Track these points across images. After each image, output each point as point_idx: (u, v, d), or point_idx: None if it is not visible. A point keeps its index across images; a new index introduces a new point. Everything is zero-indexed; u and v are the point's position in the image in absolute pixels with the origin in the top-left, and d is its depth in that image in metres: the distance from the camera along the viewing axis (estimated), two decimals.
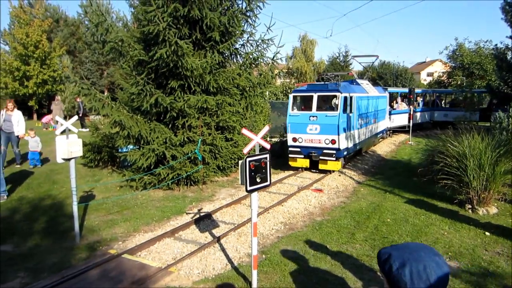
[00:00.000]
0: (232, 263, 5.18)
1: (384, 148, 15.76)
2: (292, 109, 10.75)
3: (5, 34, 28.58)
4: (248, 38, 10.32)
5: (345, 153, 10.42)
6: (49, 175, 10.04)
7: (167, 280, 4.71)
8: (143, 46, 9.13)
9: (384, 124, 16.27)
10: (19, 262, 5.15)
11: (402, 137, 19.38)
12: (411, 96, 18.27)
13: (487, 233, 6.10)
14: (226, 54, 10.21)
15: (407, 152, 14.59)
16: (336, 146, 9.90)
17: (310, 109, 10.44)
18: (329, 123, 9.88)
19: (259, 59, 10.47)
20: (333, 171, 10.58)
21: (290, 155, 10.72)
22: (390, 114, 18.84)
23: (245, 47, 10.44)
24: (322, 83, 11.50)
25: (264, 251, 5.54)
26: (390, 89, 20.22)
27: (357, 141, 11.57)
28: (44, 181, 9.53)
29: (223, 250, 5.58)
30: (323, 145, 10.03)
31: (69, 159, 5.67)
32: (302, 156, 10.52)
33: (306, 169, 10.99)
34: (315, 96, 10.35)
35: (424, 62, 67.18)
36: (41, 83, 27.33)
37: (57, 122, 6.20)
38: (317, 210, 7.58)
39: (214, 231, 6.40)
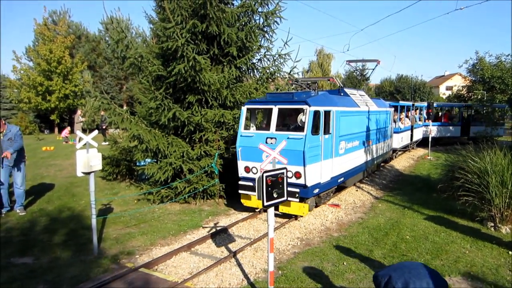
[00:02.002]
0: (248, 279, 5.13)
1: (402, 163, 15.51)
2: (245, 127, 8.02)
3: (30, 50, 29.68)
4: (265, 53, 10.43)
5: (316, 190, 7.52)
6: (68, 188, 10.24)
7: None
8: (161, 61, 9.34)
9: (387, 145, 13.18)
10: (39, 275, 5.22)
11: (420, 151, 19.04)
12: (430, 111, 18.06)
13: (510, 253, 5.89)
14: (243, 69, 10.33)
15: (426, 167, 14.31)
16: (301, 181, 7.10)
17: (268, 127, 7.70)
18: (292, 148, 6.93)
19: (276, 74, 10.54)
20: (299, 216, 7.72)
21: (240, 190, 7.80)
22: (405, 130, 16.92)
23: (262, 61, 10.55)
24: (287, 92, 9.08)
25: (280, 267, 5.48)
26: (393, 102, 16.94)
27: (338, 173, 8.43)
28: (63, 194, 9.72)
29: (239, 265, 5.54)
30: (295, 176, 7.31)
31: (88, 173, 5.78)
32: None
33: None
34: (275, 109, 7.49)
35: (443, 76, 66.31)
36: (63, 98, 28.17)
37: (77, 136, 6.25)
38: (334, 225, 7.47)
39: (230, 245, 6.37)
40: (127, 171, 10.98)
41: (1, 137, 7.72)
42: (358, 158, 9.86)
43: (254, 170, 7.71)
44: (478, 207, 7.17)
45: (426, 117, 20.59)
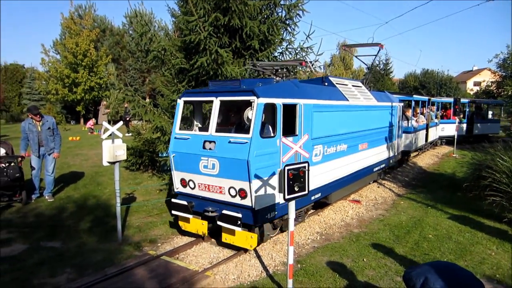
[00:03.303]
0: (267, 271, 5.17)
1: (426, 160, 15.17)
2: (182, 127, 6.30)
3: (57, 44, 30.55)
4: (287, 46, 10.36)
5: (271, 214, 5.52)
6: (94, 177, 10.54)
7: (203, 284, 4.78)
8: (184, 54, 9.43)
9: (393, 148, 10.85)
10: (67, 258, 5.43)
11: (445, 149, 18.56)
12: (457, 107, 17.47)
13: None
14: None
15: (451, 165, 13.94)
16: (247, 202, 5.27)
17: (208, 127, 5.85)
18: (233, 156, 5.23)
19: (298, 67, 10.47)
20: (246, 249, 5.70)
21: (174, 211, 6.06)
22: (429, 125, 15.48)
23: (284, 55, 10.49)
24: (234, 78, 7.38)
25: (299, 261, 5.49)
26: (403, 96, 14.28)
27: (312, 187, 6.17)
28: (89, 182, 10.02)
29: (258, 257, 5.59)
30: (227, 198, 5.50)
31: (113, 163, 5.94)
32: (197, 214, 5.92)
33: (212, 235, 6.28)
34: (216, 102, 5.66)
35: (471, 70, 64.16)
36: (88, 90, 28.90)
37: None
38: (355, 221, 7.41)
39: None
40: (149, 162, 11.20)
41: (39, 128, 8.03)
42: (347, 166, 7.81)
43: (192, 184, 5.89)
44: (506, 208, 6.95)
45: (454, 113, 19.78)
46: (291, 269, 4.31)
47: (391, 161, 10.76)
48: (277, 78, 6.48)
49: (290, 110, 5.84)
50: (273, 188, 5.46)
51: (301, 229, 6.85)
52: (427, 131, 15.79)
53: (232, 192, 5.41)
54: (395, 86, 41.27)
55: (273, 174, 5.43)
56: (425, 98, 16.46)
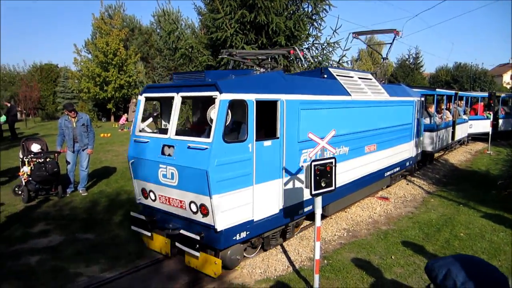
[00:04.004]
0: (293, 266, 5.20)
1: (458, 157, 14.67)
2: (141, 128, 5.40)
3: (88, 43, 31.58)
4: (313, 41, 10.32)
5: (241, 235, 4.69)
6: (124, 172, 10.89)
7: (231, 277, 4.87)
8: (211, 51, 9.56)
9: (410, 149, 9.61)
10: (100, 250, 5.68)
11: (479, 145, 17.87)
12: (491, 102, 16.68)
13: None
14: (291, 58, 10.29)
15: (484, 162, 13.42)
16: (209, 220, 4.45)
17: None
18: (191, 165, 4.43)
19: (324, 63, 10.39)
20: (210, 276, 4.73)
21: (133, 226, 5.37)
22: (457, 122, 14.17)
23: (310, 50, 10.44)
24: (200, 70, 6.16)
25: (326, 257, 5.48)
26: (424, 90, 12.57)
27: (299, 200, 5.55)
28: (120, 177, 10.36)
29: (285, 252, 5.62)
30: (189, 214, 4.68)
31: None
32: (160, 230, 5.28)
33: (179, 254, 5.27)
34: (177, 99, 4.83)
35: (508, 63, 61.21)
36: (118, 88, 29.74)
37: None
38: (383, 218, 7.30)
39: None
40: None
41: (74, 124, 8.39)
42: (349, 172, 6.78)
43: (152, 196, 5.07)
44: None
45: (487, 109, 18.75)
46: (317, 264, 4.32)
47: (408, 163, 9.60)
48: (262, 70, 5.60)
49: (268, 108, 4.96)
50: (246, 202, 4.59)
51: (327, 225, 6.82)
52: (453, 128, 14.47)
53: (193, 207, 4.52)
54: (425, 80, 40.04)
55: (245, 185, 4.55)
56: (451, 92, 14.93)
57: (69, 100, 33.74)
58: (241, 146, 4.49)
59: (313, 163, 4.01)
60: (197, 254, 4.45)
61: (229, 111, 4.39)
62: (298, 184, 5.42)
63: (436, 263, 1.47)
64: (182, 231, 4.60)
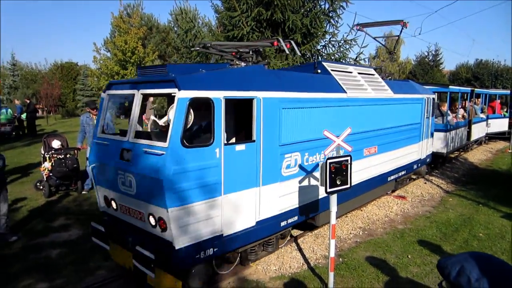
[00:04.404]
0: (308, 263, 5.21)
1: (478, 156, 14.34)
2: (103, 129, 5.00)
3: (107, 42, 32.15)
4: (330, 39, 10.25)
5: (207, 252, 4.09)
6: None
7: (245, 273, 4.92)
8: None
9: (418, 151, 8.88)
10: None
11: (500, 144, 17.41)
12: None
13: None
14: (308, 56, 10.26)
15: (505, 161, 13.09)
16: (167, 236, 3.89)
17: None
18: (146, 172, 3.87)
19: (341, 60, 10.30)
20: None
21: (94, 238, 4.78)
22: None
23: (327, 48, 10.38)
24: (164, 64, 4.79)
25: (341, 255, 5.47)
26: (436, 88, 11.66)
27: (281, 210, 4.93)
28: None
29: (299, 250, 5.64)
30: (148, 227, 4.14)
31: None
32: (122, 243, 4.54)
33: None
34: (137, 96, 4.31)
35: None
36: None
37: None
38: (399, 217, 7.22)
39: (292, 230, 6.46)
40: None
41: (95, 122, 8.59)
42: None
43: (114, 205, 4.57)
44: None
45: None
46: (332, 262, 4.32)
47: (416, 166, 8.94)
48: (242, 64, 5.04)
49: (244, 107, 4.55)
50: (213, 215, 4.03)
51: (343, 223, 6.80)
52: (469, 128, 13.60)
53: (152, 220, 3.97)
54: (445, 78, 39.20)
55: (211, 196, 3.98)
56: (467, 89, 13.93)
57: (88, 98, 34.42)
58: (205, 151, 3.90)
59: (329, 161, 4.01)
60: (151, 274, 3.84)
61: (191, 111, 3.93)
62: (279, 193, 4.82)
63: (448, 260, 1.46)
64: (137, 248, 3.97)
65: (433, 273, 4.87)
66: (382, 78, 7.75)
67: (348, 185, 4.25)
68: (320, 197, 5.57)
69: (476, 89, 15.16)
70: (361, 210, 7.52)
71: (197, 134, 4.48)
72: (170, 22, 35.84)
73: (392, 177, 7.84)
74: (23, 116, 18.31)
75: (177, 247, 3.79)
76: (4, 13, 71.18)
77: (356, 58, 10.53)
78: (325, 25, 10.01)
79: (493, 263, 1.41)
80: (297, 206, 5.23)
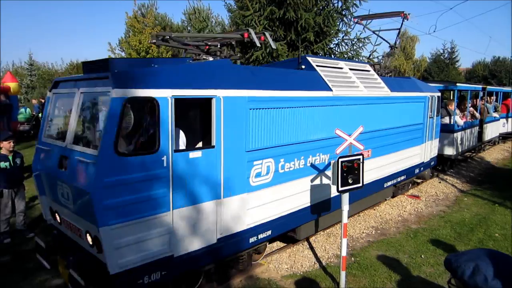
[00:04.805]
0: (320, 262, 5.22)
1: (494, 155, 14.07)
2: (46, 133, 4.45)
3: (122, 42, 32.55)
4: (343, 37, 10.19)
5: (152, 277, 3.58)
6: None
7: (257, 271, 4.95)
8: (240, 48, 9.65)
9: (419, 153, 8.17)
10: None
11: None
12: None
13: None
14: (320, 54, 10.22)
15: None
16: (103, 258, 3.33)
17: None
18: (77, 184, 3.44)
19: (354, 59, 10.24)
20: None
21: (37, 254, 4.47)
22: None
23: (340, 46, 10.33)
24: (103, 60, 3.91)
25: (353, 254, 5.46)
26: (439, 86, 10.56)
27: (253, 223, 4.43)
28: None
29: (311, 248, 5.65)
30: (87, 246, 3.63)
31: None
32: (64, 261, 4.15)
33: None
34: (77, 96, 3.87)
35: None
36: None
37: None
38: (413, 217, 7.16)
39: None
40: None
41: None
42: (327, 185, 5.43)
43: (58, 217, 4.13)
44: None
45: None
46: (344, 261, 4.32)
47: (417, 170, 8.30)
48: (210, 58, 4.56)
49: (202, 108, 4.14)
50: (160, 233, 3.51)
51: (355, 222, 6.77)
52: (480, 128, 12.75)
53: (89, 238, 3.47)
54: (461, 76, 38.47)
55: (158, 211, 3.47)
56: (477, 86, 13.01)
57: None
58: (148, 160, 3.38)
59: (340, 160, 4.02)
60: None
61: (130, 112, 3.44)
62: (247, 205, 4.28)
63: (460, 258, 1.44)
64: (71, 271, 3.62)
65: (447, 273, 4.82)
66: (381, 75, 7.31)
67: (360, 184, 4.24)
68: (301, 207, 5.06)
69: (488, 87, 14.32)
70: (374, 209, 7.48)
71: (139, 140, 3.80)
72: (183, 22, 36.02)
73: (390, 183, 7.26)
74: (41, 115, 18.75)
75: (112, 272, 3.25)
76: (21, 13, 72.86)
77: (370, 56, 10.44)
78: (338, 23, 9.96)
79: (507, 260, 1.39)
80: (272, 218, 4.66)
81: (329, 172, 5.32)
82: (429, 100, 8.24)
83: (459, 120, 10.66)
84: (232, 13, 10.87)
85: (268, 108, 4.42)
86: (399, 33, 8.80)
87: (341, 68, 6.11)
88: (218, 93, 3.86)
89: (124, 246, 3.30)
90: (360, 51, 10.17)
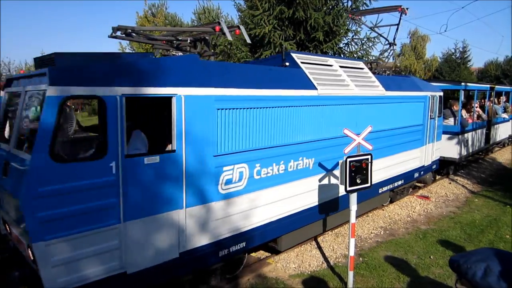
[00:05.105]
0: (328, 262, 5.22)
1: (506, 155, 13.87)
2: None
3: (133, 41, 32.77)
4: (352, 37, 10.16)
5: None
6: None
7: (265, 270, 4.97)
8: (249, 48, 9.68)
9: (416, 157, 7.69)
10: None
11: None
12: None
13: None
14: (330, 54, 10.20)
15: None
16: (41, 276, 2.97)
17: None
18: (13, 193, 3.10)
19: (364, 58, 10.19)
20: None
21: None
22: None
23: (350, 46, 10.29)
24: (49, 54, 3.48)
25: (361, 254, 5.45)
26: (444, 85, 10.23)
27: (220, 235, 4.06)
28: None
29: (319, 248, 5.65)
30: (30, 261, 3.24)
31: None
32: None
33: None
34: (23, 95, 3.56)
35: None
36: None
37: None
38: (422, 218, 7.11)
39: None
40: None
41: None
42: (315, 191, 5.20)
43: (9, 230, 3.72)
44: None
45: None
46: (352, 261, 4.32)
47: (417, 174, 7.90)
48: (179, 53, 4.25)
49: (161, 108, 3.82)
50: (108, 249, 3.21)
51: (364, 222, 6.75)
52: (488, 129, 12.10)
53: (30, 254, 3.07)
54: (473, 75, 37.93)
55: (106, 223, 3.16)
56: (485, 86, 12.44)
57: None
58: (93, 166, 3.05)
59: (348, 159, 4.02)
60: None
61: (71, 113, 3.22)
62: (216, 215, 3.94)
63: (469, 259, 1.42)
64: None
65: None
66: (377, 73, 7.04)
67: (369, 184, 4.24)
68: (282, 215, 4.72)
69: (497, 86, 13.50)
70: (383, 210, 7.44)
71: (83, 143, 3.54)
72: (193, 21, 36.22)
73: (385, 188, 6.84)
74: None
75: None
76: (31, 11, 74.01)
77: (380, 55, 10.37)
78: (348, 23, 9.92)
79: None
80: (247, 229, 4.31)
81: (315, 178, 5.12)
82: (429, 100, 7.84)
83: (464, 121, 10.14)
84: (241, 13, 10.90)
85: (241, 108, 4.07)
86: (397, 28, 8.41)
87: (331, 65, 5.75)
88: (179, 92, 3.51)
89: (63, 264, 2.97)
90: (370, 50, 10.12)
